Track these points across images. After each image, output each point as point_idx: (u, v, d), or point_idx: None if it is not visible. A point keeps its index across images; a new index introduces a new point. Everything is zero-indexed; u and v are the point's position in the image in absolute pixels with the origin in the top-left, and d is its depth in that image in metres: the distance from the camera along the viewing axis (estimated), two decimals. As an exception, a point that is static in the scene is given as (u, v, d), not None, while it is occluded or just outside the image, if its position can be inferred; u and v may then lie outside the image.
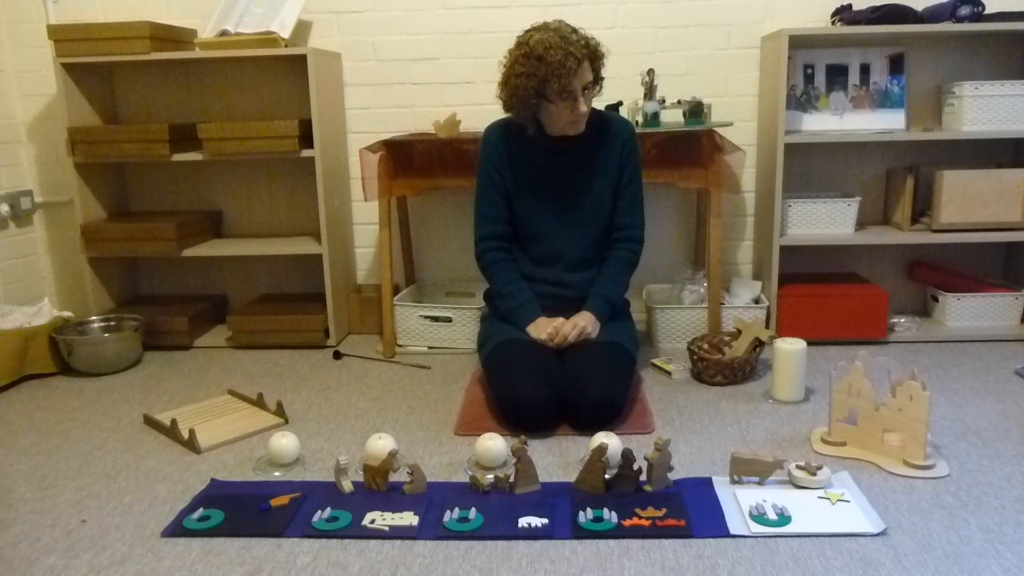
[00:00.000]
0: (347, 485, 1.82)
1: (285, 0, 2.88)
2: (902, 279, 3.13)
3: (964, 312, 2.90)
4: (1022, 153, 2.96)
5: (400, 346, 2.90)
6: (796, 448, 2.01)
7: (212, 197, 3.23)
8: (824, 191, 3.04)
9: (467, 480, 1.86)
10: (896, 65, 2.87)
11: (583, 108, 2.21)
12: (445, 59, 3.05)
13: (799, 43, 2.87)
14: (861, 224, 2.96)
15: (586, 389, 2.10)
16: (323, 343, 2.96)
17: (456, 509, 1.72)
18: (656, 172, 2.65)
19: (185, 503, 1.80)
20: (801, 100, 2.88)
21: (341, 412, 2.33)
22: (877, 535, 1.59)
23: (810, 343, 2.39)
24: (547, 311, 2.36)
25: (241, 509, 1.75)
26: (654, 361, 2.65)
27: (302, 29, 3.05)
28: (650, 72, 2.70)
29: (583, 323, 2.29)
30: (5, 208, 3.07)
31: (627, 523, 1.65)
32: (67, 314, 2.87)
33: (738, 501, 1.73)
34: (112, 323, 2.89)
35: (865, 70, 2.87)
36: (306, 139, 2.85)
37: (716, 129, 2.64)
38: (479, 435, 1.96)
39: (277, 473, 1.94)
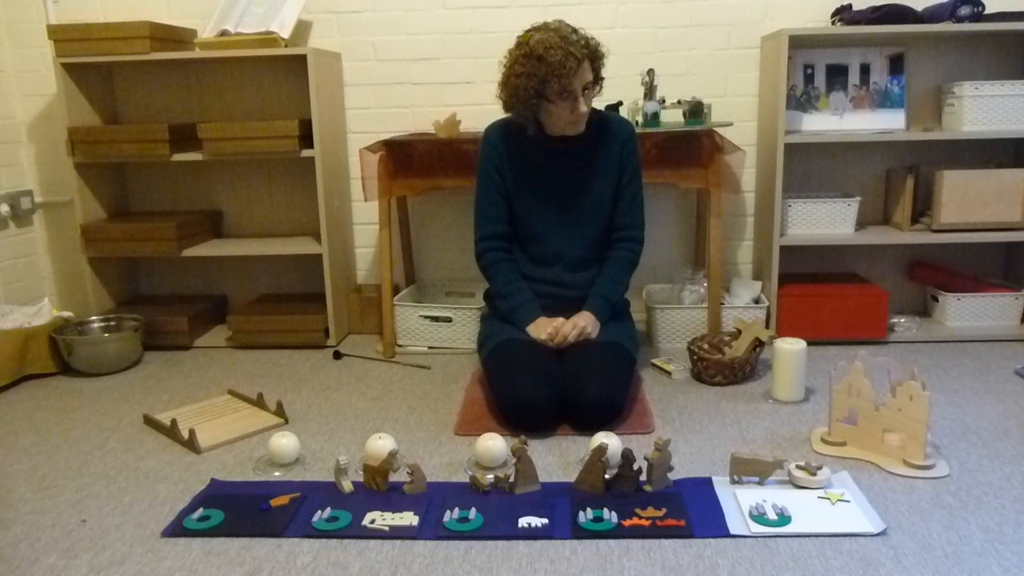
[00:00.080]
0: (347, 485, 1.82)
1: (285, 0, 2.88)
2: (902, 279, 3.13)
3: (964, 312, 2.90)
4: (1022, 153, 2.96)
5: (400, 346, 2.90)
6: (796, 448, 2.01)
7: (212, 197, 3.23)
8: (824, 191, 3.04)
9: (467, 480, 1.86)
10: (896, 65, 2.87)
11: (583, 108, 2.21)
12: (445, 59, 3.05)
13: (799, 43, 2.87)
14: (861, 224, 2.96)
15: (586, 389, 2.10)
16: (323, 343, 2.96)
17: (456, 509, 1.72)
18: (656, 172, 2.65)
19: (185, 503, 1.80)
20: (801, 100, 2.88)
21: (341, 412, 2.33)
22: (877, 535, 1.59)
23: (810, 343, 2.39)
24: (547, 311, 2.36)
25: (241, 509, 1.75)
26: (654, 361, 2.65)
27: (302, 29, 3.05)
28: (650, 72, 2.70)
29: (583, 323, 2.29)
30: (5, 208, 3.07)
31: (627, 523, 1.65)
32: (67, 314, 2.87)
33: (738, 501, 1.73)
34: (112, 323, 2.89)
35: (865, 70, 2.87)
36: (306, 139, 2.85)
37: (716, 129, 2.64)
38: (479, 435, 1.96)
39: (277, 473, 1.94)
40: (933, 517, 1.66)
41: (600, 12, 2.98)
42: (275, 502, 1.77)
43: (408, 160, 2.74)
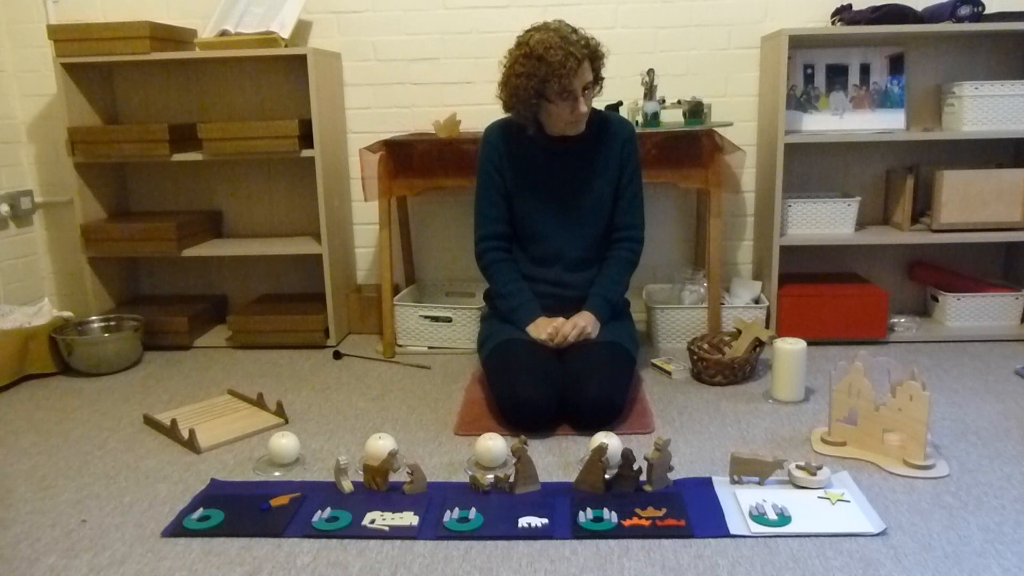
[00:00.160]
0: (347, 485, 1.82)
1: (285, 0, 2.88)
2: (902, 279, 3.13)
3: (964, 312, 2.90)
4: (1022, 153, 2.96)
5: (400, 346, 2.90)
6: (796, 448, 2.01)
7: (212, 197, 3.23)
8: (824, 191, 3.04)
9: (467, 480, 1.86)
10: (896, 65, 2.87)
11: (583, 108, 2.21)
12: (445, 59, 3.05)
13: (799, 43, 2.87)
14: (861, 224, 2.96)
15: (586, 389, 2.10)
16: (323, 343, 2.96)
17: (456, 509, 1.72)
18: (656, 172, 2.65)
19: (185, 503, 1.80)
20: (801, 100, 2.88)
21: (341, 412, 2.33)
22: (877, 535, 1.59)
23: (810, 343, 2.39)
24: (547, 311, 2.36)
25: (241, 509, 1.75)
26: (654, 361, 2.65)
27: (302, 29, 3.05)
28: (650, 72, 2.70)
29: (583, 323, 2.29)
30: (5, 208, 3.07)
31: (627, 523, 1.65)
32: (67, 314, 2.87)
33: (738, 501, 1.73)
34: (112, 323, 2.89)
35: (865, 70, 2.87)
36: (306, 139, 2.85)
37: (716, 129, 2.64)
38: (479, 435, 1.96)
39: (277, 473, 1.94)
40: (933, 517, 1.66)
41: (600, 12, 2.98)
42: (275, 502, 1.77)
43: (408, 160, 2.74)
